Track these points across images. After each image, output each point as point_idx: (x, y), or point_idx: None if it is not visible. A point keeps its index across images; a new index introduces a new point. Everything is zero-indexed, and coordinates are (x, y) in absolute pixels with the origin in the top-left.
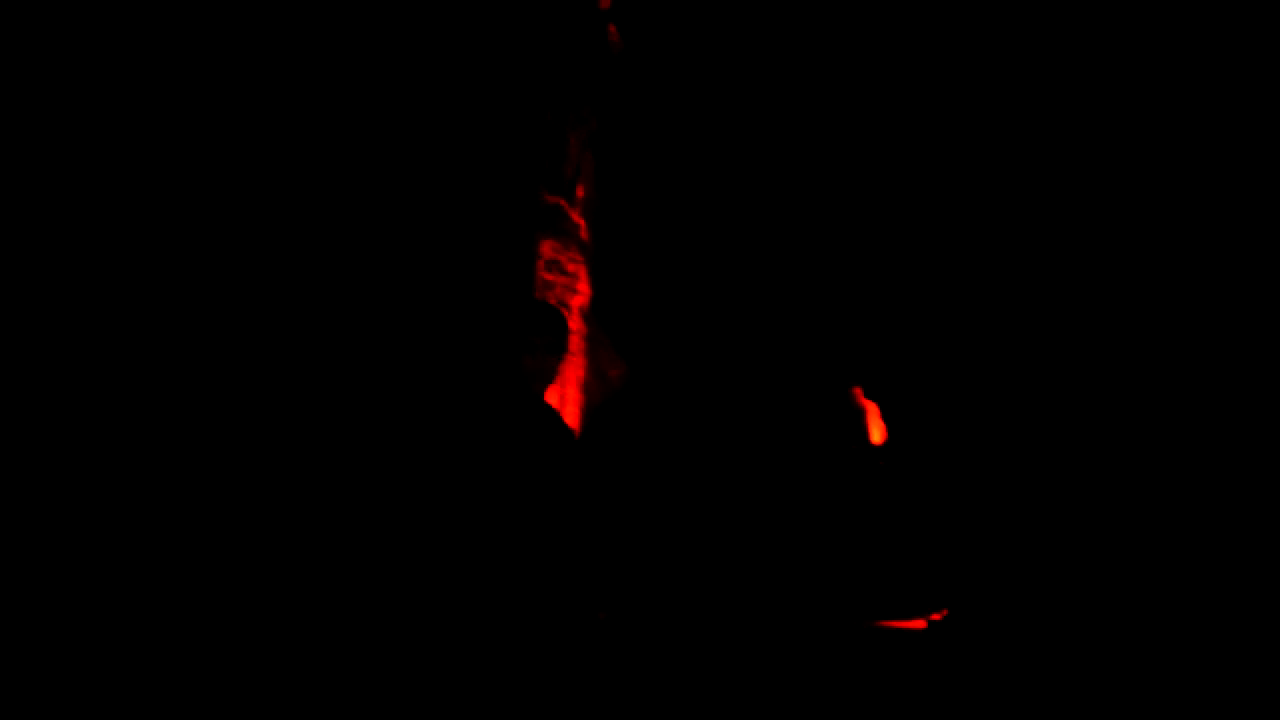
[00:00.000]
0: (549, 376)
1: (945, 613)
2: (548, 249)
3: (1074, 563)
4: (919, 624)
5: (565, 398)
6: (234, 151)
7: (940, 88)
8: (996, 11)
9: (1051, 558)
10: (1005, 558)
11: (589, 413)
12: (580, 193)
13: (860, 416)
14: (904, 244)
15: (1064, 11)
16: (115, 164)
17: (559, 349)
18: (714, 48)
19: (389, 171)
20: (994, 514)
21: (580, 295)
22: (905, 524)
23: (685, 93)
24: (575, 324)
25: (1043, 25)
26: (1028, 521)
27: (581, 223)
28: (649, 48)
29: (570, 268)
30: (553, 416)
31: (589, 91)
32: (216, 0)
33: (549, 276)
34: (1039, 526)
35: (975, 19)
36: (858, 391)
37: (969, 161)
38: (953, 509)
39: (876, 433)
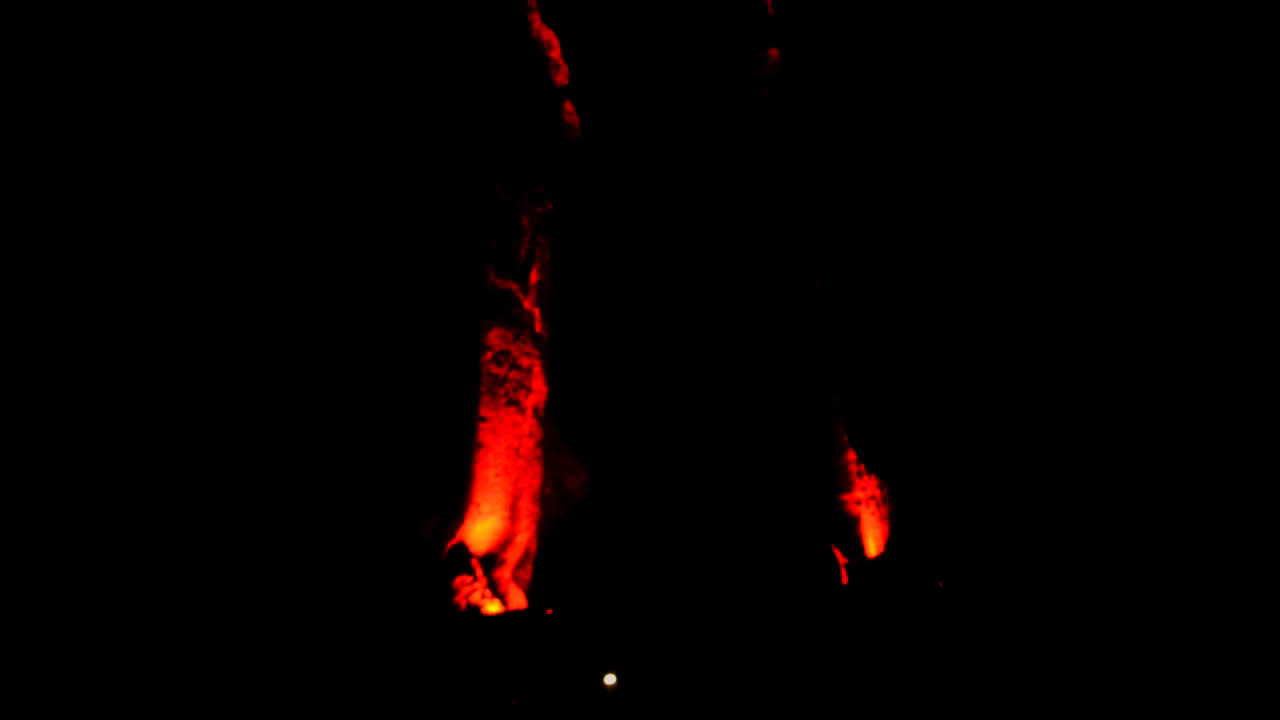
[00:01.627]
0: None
1: None
2: (496, 338)
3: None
4: None
5: (519, 511)
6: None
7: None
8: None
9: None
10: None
11: (545, 530)
12: (534, 278)
13: (852, 525)
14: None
15: (1062, 15)
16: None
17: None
18: (679, 125)
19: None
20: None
21: (535, 394)
22: (929, 657)
23: (650, 174)
24: (529, 426)
25: (1038, 29)
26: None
27: (536, 311)
28: (610, 128)
29: (523, 362)
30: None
31: (544, 169)
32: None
33: (498, 370)
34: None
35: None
36: (848, 495)
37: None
38: (990, 630)
39: (873, 541)
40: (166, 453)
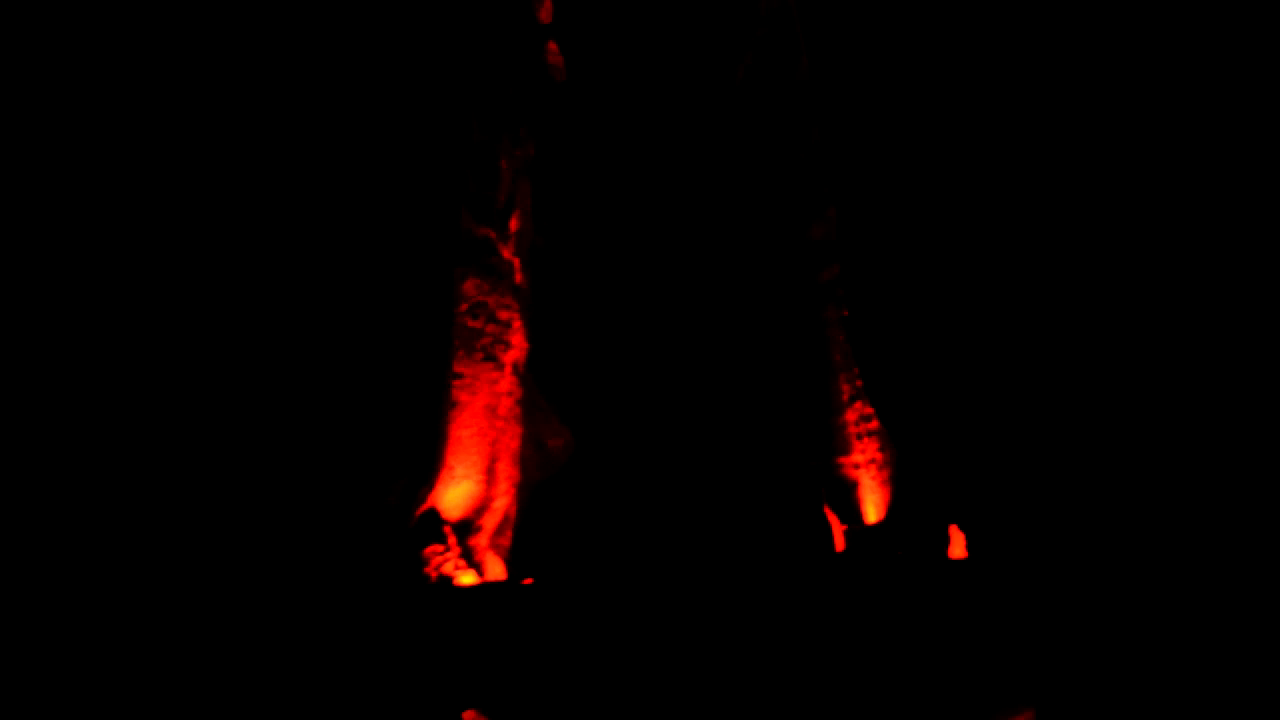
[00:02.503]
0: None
1: None
2: (472, 289)
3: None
4: None
5: (496, 474)
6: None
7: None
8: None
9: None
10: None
11: (525, 493)
12: (514, 226)
13: (850, 490)
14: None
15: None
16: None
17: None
18: (670, 65)
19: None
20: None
21: (514, 349)
22: (925, 628)
23: (639, 119)
24: (508, 384)
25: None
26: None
27: (515, 261)
28: (596, 69)
29: (502, 315)
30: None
31: (526, 111)
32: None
33: (474, 324)
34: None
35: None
36: (846, 458)
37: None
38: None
39: (873, 507)
40: (115, 408)
